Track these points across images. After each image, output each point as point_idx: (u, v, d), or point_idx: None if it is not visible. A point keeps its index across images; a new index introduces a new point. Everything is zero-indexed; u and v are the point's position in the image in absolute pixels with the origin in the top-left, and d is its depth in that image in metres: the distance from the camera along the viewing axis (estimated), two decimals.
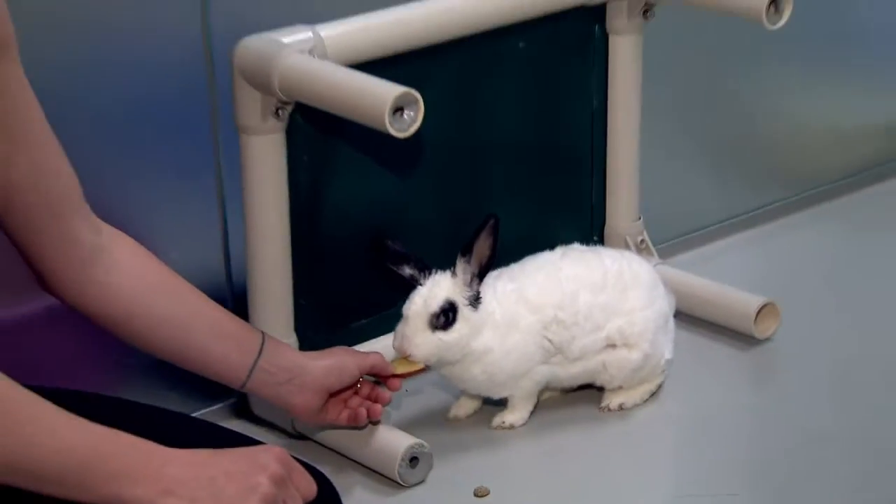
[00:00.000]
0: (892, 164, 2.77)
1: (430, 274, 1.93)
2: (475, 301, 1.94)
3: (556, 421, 2.06)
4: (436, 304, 1.91)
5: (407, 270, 1.94)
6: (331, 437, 1.99)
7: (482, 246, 1.92)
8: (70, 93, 1.82)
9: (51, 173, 1.51)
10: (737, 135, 2.57)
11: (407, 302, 1.92)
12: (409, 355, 1.91)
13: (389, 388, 1.90)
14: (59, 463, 1.26)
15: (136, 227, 1.69)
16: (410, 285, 1.93)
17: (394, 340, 1.93)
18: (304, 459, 1.44)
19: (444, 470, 1.94)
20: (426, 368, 1.96)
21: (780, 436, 2.06)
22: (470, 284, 1.93)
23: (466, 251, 1.92)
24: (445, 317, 1.92)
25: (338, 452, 1.98)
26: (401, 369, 1.91)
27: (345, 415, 1.86)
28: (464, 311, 1.93)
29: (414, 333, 1.91)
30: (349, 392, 1.86)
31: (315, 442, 2.01)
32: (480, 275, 1.94)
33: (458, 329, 1.92)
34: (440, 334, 1.92)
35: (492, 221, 1.91)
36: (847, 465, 1.97)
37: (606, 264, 2.04)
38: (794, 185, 2.66)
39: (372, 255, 1.97)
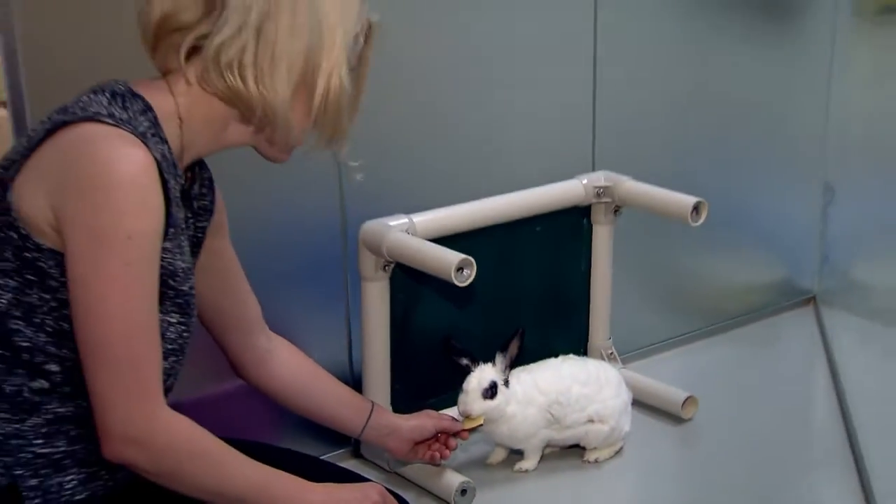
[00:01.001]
0: (771, 307, 2.73)
1: (479, 364, 1.92)
2: (506, 382, 1.92)
3: (555, 468, 2.03)
4: (485, 383, 1.90)
5: (464, 361, 1.92)
6: (413, 473, 1.96)
7: (513, 347, 1.92)
8: (254, 256, 1.80)
9: (244, 305, 1.54)
10: (674, 285, 2.55)
11: (465, 381, 1.91)
12: (469, 415, 1.89)
13: (460, 439, 1.86)
14: (243, 490, 1.26)
15: (294, 337, 1.69)
16: (466, 371, 1.92)
17: (458, 406, 1.91)
18: (395, 490, 1.43)
19: (483, 498, 1.91)
20: (482, 426, 1.92)
21: (697, 484, 2.02)
22: (504, 371, 1.92)
23: (503, 349, 1.92)
24: (491, 391, 1.90)
25: (416, 484, 1.96)
26: (466, 425, 1.88)
27: (427, 455, 1.83)
28: (501, 388, 1.91)
29: (473, 401, 1.89)
30: (431, 440, 1.83)
31: (402, 476, 1.98)
32: (511, 365, 1.93)
33: (498, 399, 1.91)
34: (488, 402, 1.90)
35: (521, 330, 1.92)
36: None
37: (590, 368, 2.02)
38: (710, 318, 2.62)
39: (442, 351, 1.96)
